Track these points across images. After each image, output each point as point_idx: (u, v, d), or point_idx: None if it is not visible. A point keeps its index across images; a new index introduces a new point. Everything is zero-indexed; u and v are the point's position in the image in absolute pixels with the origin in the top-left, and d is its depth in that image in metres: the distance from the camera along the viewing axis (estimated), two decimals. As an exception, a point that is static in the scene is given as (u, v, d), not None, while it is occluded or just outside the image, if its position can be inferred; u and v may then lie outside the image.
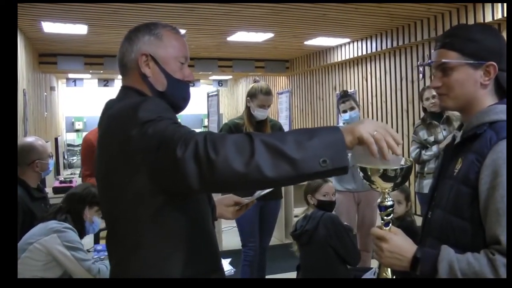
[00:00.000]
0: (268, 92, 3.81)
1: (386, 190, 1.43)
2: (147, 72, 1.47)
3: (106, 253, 2.81)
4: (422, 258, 1.33)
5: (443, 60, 1.42)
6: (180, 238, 1.37)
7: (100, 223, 2.88)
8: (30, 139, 3.26)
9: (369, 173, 1.42)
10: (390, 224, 1.44)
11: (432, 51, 1.51)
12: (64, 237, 2.59)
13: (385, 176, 1.39)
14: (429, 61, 1.51)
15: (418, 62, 7.31)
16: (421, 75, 7.17)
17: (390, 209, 1.44)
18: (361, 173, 1.45)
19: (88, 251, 3.38)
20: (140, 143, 1.26)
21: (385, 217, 1.44)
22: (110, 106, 1.47)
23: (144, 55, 1.46)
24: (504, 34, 6.08)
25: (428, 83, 6.88)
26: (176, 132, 1.21)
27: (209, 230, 1.50)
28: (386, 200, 1.44)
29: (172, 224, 1.36)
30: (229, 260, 3.30)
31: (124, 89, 1.50)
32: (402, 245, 1.38)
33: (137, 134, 1.27)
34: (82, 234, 2.78)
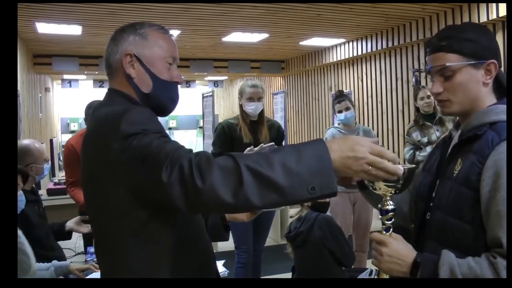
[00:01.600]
0: (254, 85, 3.82)
1: (388, 193, 1.40)
2: (132, 73, 1.43)
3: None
4: (423, 262, 1.30)
5: (447, 64, 1.38)
6: (168, 248, 1.34)
7: (21, 196, 2.63)
8: (26, 141, 3.23)
9: None
10: (391, 230, 1.41)
11: (427, 56, 1.47)
12: None
13: (387, 179, 1.37)
14: (429, 66, 1.45)
15: (413, 69, 7.27)
16: (414, 80, 7.11)
17: (391, 213, 1.41)
18: None
19: (83, 253, 3.36)
20: (122, 156, 1.24)
21: (386, 222, 1.41)
22: (95, 108, 1.45)
23: (129, 55, 1.42)
24: (500, 34, 6.09)
25: (423, 82, 6.89)
26: (161, 150, 1.18)
27: (200, 236, 1.47)
28: (388, 204, 1.41)
29: (160, 235, 1.32)
30: (223, 262, 3.29)
31: (109, 92, 1.48)
32: (402, 250, 1.35)
33: (119, 148, 1.24)
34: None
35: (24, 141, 3.24)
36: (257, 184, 1.08)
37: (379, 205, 1.43)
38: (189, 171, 1.10)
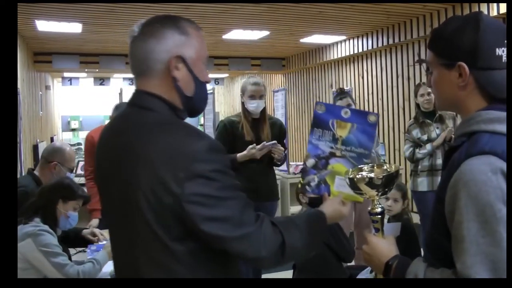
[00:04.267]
0: (256, 83, 3.82)
1: (375, 197, 1.44)
2: (178, 75, 1.34)
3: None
4: (396, 266, 1.30)
5: (416, 60, 1.38)
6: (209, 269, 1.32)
7: (77, 217, 2.79)
8: (63, 143, 3.43)
9: (355, 182, 1.44)
10: (380, 230, 1.45)
11: None
12: (40, 240, 2.49)
13: (371, 184, 1.41)
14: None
15: (415, 60, 7.27)
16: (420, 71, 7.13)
17: (379, 216, 1.45)
18: (348, 181, 1.48)
19: (84, 251, 3.38)
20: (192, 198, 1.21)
21: (374, 223, 1.45)
22: (132, 117, 1.35)
23: (177, 57, 1.33)
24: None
25: (424, 79, 6.88)
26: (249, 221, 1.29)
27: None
28: (376, 207, 1.45)
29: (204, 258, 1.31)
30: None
31: (145, 96, 1.35)
32: (381, 249, 1.37)
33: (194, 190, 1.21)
34: (55, 230, 2.66)
35: (60, 142, 3.36)
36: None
37: (368, 209, 1.46)
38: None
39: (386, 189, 1.44)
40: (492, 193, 1.09)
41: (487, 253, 1.08)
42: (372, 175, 1.45)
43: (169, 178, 1.20)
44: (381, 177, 1.42)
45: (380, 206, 1.45)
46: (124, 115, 1.40)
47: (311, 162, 1.63)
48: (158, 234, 1.24)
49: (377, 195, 1.43)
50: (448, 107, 1.37)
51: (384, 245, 1.38)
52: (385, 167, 1.52)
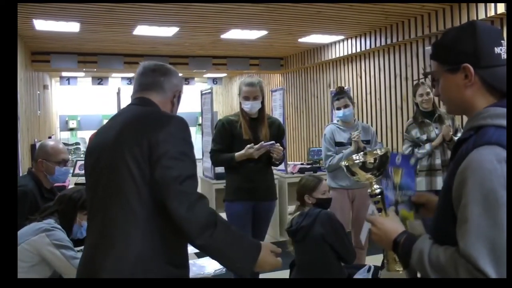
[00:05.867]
0: (249, 84, 3.78)
1: (372, 179, 1.59)
2: (175, 102, 2.05)
3: None
4: (403, 243, 1.43)
5: (421, 73, 1.45)
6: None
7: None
8: (48, 140, 3.39)
9: (349, 167, 1.61)
10: (382, 210, 1.59)
11: None
12: (53, 235, 2.56)
13: (364, 167, 1.59)
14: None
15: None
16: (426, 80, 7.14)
17: (379, 196, 1.59)
18: (345, 168, 1.65)
19: (81, 250, 3.39)
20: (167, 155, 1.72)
21: (375, 204, 1.59)
22: (133, 108, 1.94)
23: (178, 91, 2.05)
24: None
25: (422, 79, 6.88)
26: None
27: None
28: (374, 188, 1.59)
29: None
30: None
31: (149, 101, 1.95)
32: (388, 227, 1.50)
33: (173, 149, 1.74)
34: (68, 236, 2.73)
35: (47, 139, 3.36)
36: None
37: (368, 190, 1.61)
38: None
39: (382, 169, 1.62)
40: (496, 181, 1.21)
41: (487, 235, 1.19)
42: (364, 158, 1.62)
43: (153, 139, 1.70)
44: (373, 160, 1.59)
45: (378, 187, 1.60)
46: (126, 109, 1.96)
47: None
48: (139, 189, 1.68)
49: (374, 176, 1.59)
50: (458, 111, 1.48)
51: (389, 224, 1.52)
52: (376, 152, 1.69)
